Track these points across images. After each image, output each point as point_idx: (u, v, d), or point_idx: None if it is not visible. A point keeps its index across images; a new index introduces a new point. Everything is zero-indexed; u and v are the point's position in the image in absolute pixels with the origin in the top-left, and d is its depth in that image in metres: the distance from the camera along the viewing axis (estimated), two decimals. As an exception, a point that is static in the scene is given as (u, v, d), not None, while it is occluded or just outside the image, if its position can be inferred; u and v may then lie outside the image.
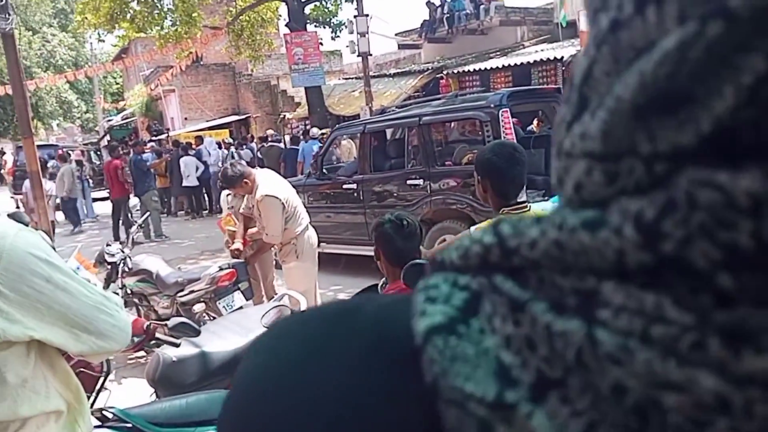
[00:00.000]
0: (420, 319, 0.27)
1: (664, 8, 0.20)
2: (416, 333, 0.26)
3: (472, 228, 2.35)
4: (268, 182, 4.33)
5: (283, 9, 15.99)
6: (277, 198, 4.20)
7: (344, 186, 7.23)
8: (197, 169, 13.20)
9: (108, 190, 11.36)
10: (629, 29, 0.21)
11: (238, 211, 4.76)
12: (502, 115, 5.58)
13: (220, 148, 14.23)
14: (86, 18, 14.96)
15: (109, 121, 27.85)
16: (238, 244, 4.63)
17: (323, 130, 11.92)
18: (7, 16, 6.25)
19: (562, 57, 11.03)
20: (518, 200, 2.10)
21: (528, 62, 12.09)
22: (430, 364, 0.25)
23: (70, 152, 18.79)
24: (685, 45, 0.19)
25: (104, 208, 12.38)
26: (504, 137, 5.51)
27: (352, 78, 18.16)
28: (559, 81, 11.39)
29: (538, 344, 0.23)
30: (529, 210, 2.10)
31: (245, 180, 4.26)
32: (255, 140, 15.21)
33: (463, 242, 0.27)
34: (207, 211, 13.84)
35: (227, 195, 5.27)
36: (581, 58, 0.24)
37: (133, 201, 5.71)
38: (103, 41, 22.35)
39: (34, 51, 31.00)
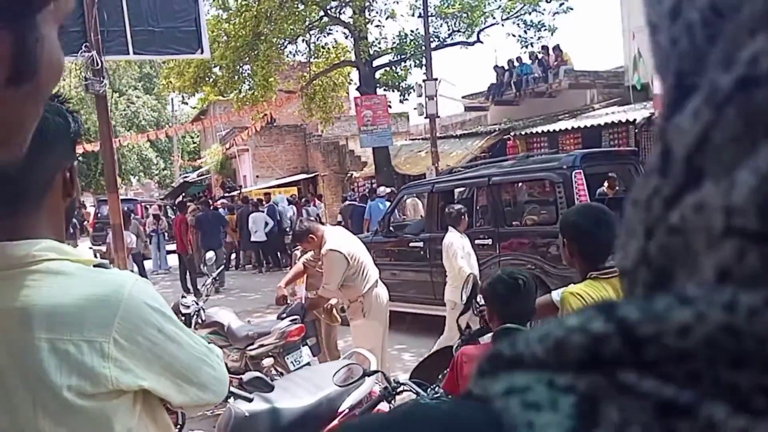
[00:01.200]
0: None
1: None
2: None
3: (555, 293, 2.26)
4: (335, 238, 4.40)
5: (355, 74, 16.61)
6: (340, 252, 4.26)
7: (411, 244, 7.24)
8: (266, 225, 13.60)
9: (175, 244, 11.93)
10: None
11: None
12: (575, 177, 5.50)
13: (290, 204, 14.68)
14: (171, 82, 15.97)
15: (185, 177, 29.22)
16: (282, 291, 4.76)
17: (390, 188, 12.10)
18: (101, 79, 6.67)
19: (635, 120, 10.85)
20: (607, 265, 2.03)
21: (599, 124, 11.97)
22: None
23: (148, 206, 19.75)
24: None
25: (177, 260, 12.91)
26: (577, 199, 5.41)
27: (419, 139, 18.44)
28: (632, 143, 11.17)
29: None
30: (618, 276, 2.01)
31: (311, 235, 4.38)
32: (315, 201, 15.67)
33: (549, 331, 0.22)
34: (271, 265, 14.15)
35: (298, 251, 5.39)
36: (686, 123, 0.21)
37: (209, 254, 5.86)
38: (187, 104, 23.74)
39: (119, 111, 33.19)
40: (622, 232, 0.24)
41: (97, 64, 6.27)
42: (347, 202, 13.87)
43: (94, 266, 1.00)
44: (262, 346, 4.30)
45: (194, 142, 37.17)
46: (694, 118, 0.20)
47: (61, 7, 0.44)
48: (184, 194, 24.99)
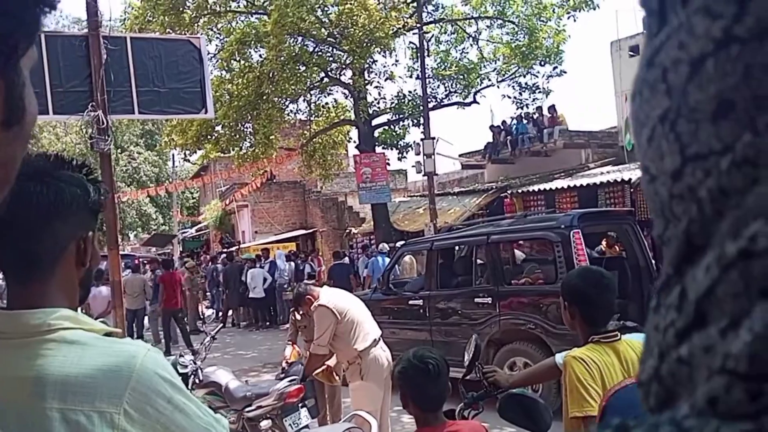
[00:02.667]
0: None
1: None
2: None
3: (558, 356, 2.25)
4: (328, 296, 4.42)
5: (354, 132, 16.91)
6: (327, 307, 4.27)
7: (410, 302, 7.20)
8: (265, 281, 13.54)
9: (161, 301, 11.33)
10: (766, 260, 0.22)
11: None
12: (573, 236, 5.54)
13: (288, 260, 14.66)
14: (173, 139, 16.19)
15: (184, 233, 29.22)
16: (288, 351, 4.87)
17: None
18: (106, 138, 6.76)
19: (630, 179, 11.00)
20: (608, 329, 2.04)
21: (594, 183, 12.12)
22: None
23: (145, 262, 19.65)
24: None
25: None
26: (575, 258, 5.44)
27: (417, 196, 18.60)
28: (628, 203, 11.29)
29: None
30: (619, 339, 2.02)
31: (308, 296, 4.42)
32: (319, 260, 15.81)
33: None
34: (267, 323, 14.03)
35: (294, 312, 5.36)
36: (699, 275, 0.26)
37: (209, 312, 5.84)
38: (188, 160, 23.94)
39: (120, 167, 33.47)
40: (644, 346, 0.29)
41: (103, 123, 6.38)
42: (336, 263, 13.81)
43: (104, 334, 1.01)
44: (260, 407, 4.23)
45: (193, 198, 37.37)
46: (705, 272, 0.25)
47: (31, 55, 0.49)
48: (181, 250, 24.93)
